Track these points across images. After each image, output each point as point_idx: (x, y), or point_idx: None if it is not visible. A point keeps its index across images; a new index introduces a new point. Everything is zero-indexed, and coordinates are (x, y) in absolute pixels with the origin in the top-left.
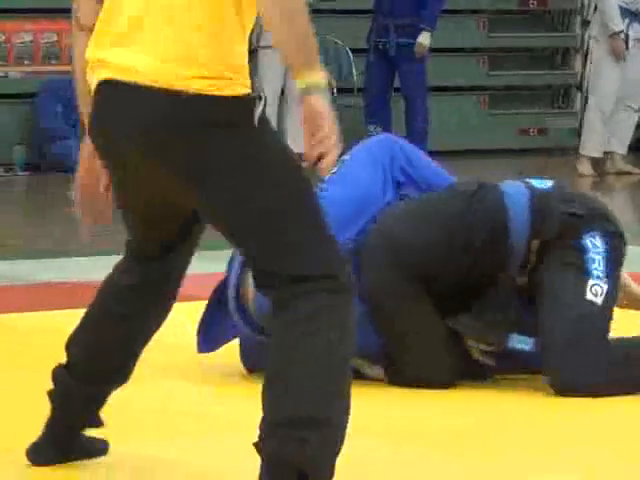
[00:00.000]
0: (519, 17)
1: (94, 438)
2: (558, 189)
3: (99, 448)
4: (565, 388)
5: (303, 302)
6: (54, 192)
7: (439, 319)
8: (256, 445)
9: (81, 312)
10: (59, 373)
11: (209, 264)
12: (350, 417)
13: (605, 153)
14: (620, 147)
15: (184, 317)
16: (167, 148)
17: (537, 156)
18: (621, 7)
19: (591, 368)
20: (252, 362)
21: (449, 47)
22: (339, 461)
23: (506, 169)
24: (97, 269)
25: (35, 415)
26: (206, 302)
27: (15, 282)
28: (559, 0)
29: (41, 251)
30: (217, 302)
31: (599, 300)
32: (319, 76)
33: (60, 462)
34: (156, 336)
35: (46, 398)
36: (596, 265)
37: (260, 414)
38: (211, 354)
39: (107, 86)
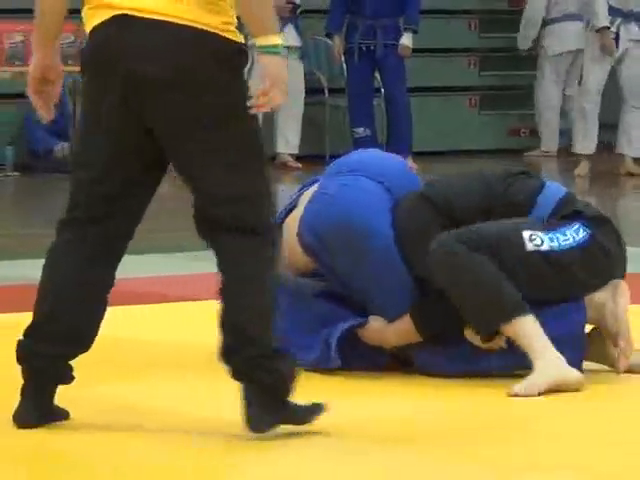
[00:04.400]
0: (510, 18)
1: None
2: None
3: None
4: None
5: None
6: (44, 193)
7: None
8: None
9: None
10: (24, 341)
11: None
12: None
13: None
14: (629, 149)
15: (184, 317)
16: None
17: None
18: (612, 7)
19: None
20: None
21: (439, 47)
22: (334, 464)
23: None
24: None
25: None
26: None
27: (5, 282)
28: None
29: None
30: None
31: (529, 245)
32: (275, 39)
33: (43, 422)
34: (158, 335)
35: None
36: (560, 237)
37: None
38: (212, 353)
39: (122, 19)
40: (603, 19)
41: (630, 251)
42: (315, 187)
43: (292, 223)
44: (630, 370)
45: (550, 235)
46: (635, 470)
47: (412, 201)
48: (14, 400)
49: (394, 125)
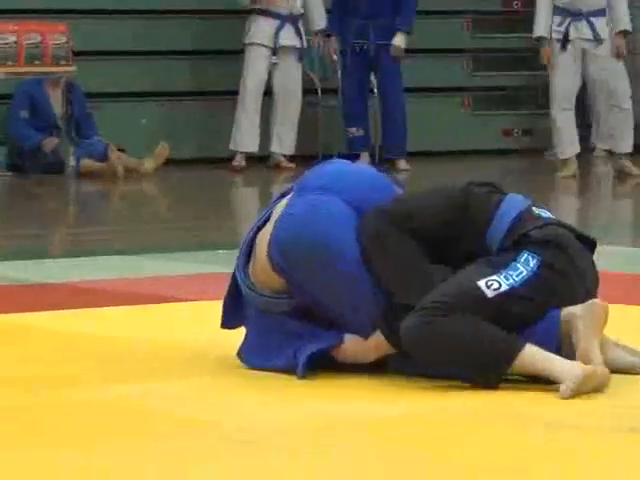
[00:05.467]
0: (503, 18)
1: None
2: (545, 219)
3: None
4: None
5: None
6: (35, 192)
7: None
8: None
9: (69, 313)
10: None
11: (208, 265)
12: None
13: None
14: (616, 147)
15: (184, 317)
16: None
17: (521, 157)
18: (558, 7)
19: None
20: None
21: (433, 48)
22: (329, 465)
23: (490, 170)
24: (76, 270)
25: (34, 413)
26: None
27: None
28: None
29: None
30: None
31: (488, 292)
32: None
33: None
34: (157, 335)
35: (45, 397)
36: (513, 273)
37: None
38: (211, 353)
39: None
40: (538, 29)
41: (631, 251)
42: (285, 201)
43: (263, 240)
44: (631, 370)
45: (504, 274)
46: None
47: (370, 216)
48: (14, 400)
49: (389, 126)
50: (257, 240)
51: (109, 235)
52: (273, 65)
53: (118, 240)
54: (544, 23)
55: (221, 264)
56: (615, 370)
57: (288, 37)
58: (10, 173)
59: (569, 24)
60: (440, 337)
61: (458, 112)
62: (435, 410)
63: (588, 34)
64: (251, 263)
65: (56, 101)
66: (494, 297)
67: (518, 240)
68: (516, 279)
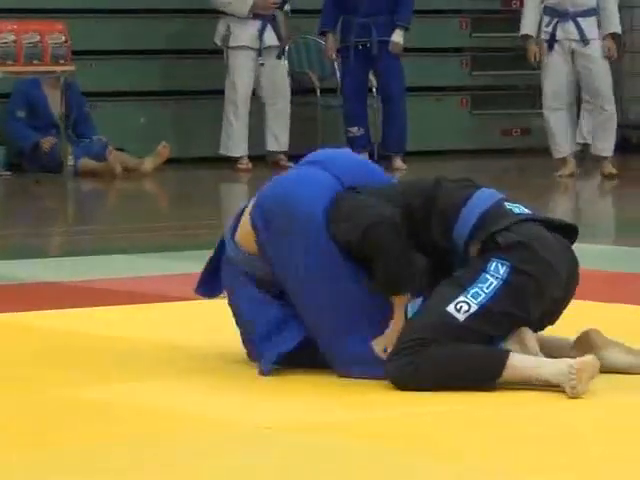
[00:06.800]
0: (501, 17)
1: None
2: (515, 215)
3: None
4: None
5: None
6: (33, 191)
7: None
8: None
9: (68, 312)
10: None
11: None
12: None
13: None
14: (595, 149)
15: (183, 317)
16: None
17: (520, 157)
18: (547, 7)
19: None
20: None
21: (431, 47)
22: (324, 465)
23: (488, 170)
24: (76, 269)
25: (33, 413)
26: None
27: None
28: None
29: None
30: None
31: (460, 316)
32: None
33: None
34: (157, 335)
35: (44, 396)
36: (482, 285)
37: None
38: (210, 352)
39: None
40: (524, 26)
41: (630, 251)
42: None
43: (251, 204)
44: (630, 370)
45: (473, 291)
46: (634, 470)
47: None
48: (14, 400)
49: (389, 124)
50: (248, 205)
51: (108, 234)
52: (259, 66)
53: (117, 239)
54: (530, 21)
55: None
56: (613, 370)
57: (271, 37)
58: (9, 173)
59: (556, 24)
60: (425, 373)
61: (457, 111)
62: (435, 410)
63: (575, 34)
64: (238, 229)
65: (54, 101)
66: (465, 320)
67: (486, 243)
68: (486, 292)
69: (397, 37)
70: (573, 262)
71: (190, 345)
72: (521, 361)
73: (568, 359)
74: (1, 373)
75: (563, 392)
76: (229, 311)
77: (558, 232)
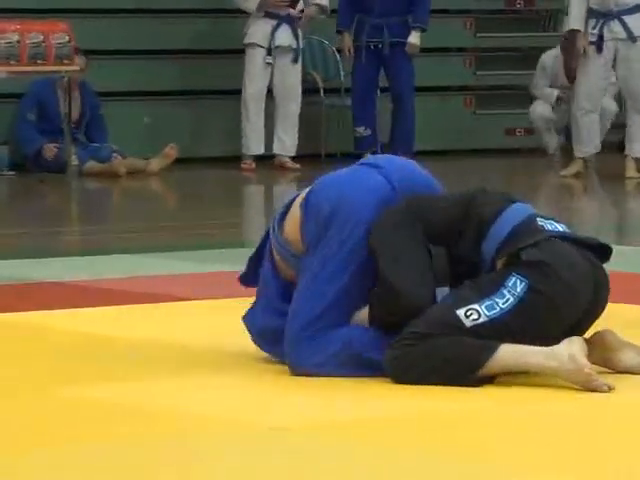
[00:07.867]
0: (506, 17)
1: None
2: (545, 232)
3: None
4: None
5: None
6: (36, 191)
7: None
8: None
9: (74, 312)
10: None
11: (207, 265)
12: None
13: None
14: (630, 150)
15: (183, 317)
16: None
17: (524, 156)
18: (592, 9)
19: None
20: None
21: (436, 47)
22: (320, 467)
23: (493, 170)
24: (79, 269)
25: (34, 413)
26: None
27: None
28: (546, 0)
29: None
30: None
31: (468, 323)
32: None
33: None
34: (157, 335)
35: (44, 396)
36: (499, 301)
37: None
38: (215, 352)
39: None
40: (574, 21)
41: (631, 251)
42: None
43: (301, 197)
44: (630, 370)
45: (487, 303)
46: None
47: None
48: (13, 399)
49: (399, 124)
50: (297, 198)
51: (114, 234)
52: (270, 65)
53: (122, 239)
54: (576, 17)
55: (226, 263)
56: (628, 372)
57: (284, 37)
58: (13, 173)
59: (602, 25)
60: (413, 362)
61: (461, 111)
62: (434, 410)
63: (621, 33)
64: (285, 219)
65: (68, 103)
66: (471, 328)
67: (511, 257)
68: (502, 307)
69: (414, 38)
70: (600, 283)
71: (195, 345)
72: (514, 350)
73: (560, 346)
74: (1, 373)
75: (565, 391)
76: (233, 311)
77: (590, 250)
